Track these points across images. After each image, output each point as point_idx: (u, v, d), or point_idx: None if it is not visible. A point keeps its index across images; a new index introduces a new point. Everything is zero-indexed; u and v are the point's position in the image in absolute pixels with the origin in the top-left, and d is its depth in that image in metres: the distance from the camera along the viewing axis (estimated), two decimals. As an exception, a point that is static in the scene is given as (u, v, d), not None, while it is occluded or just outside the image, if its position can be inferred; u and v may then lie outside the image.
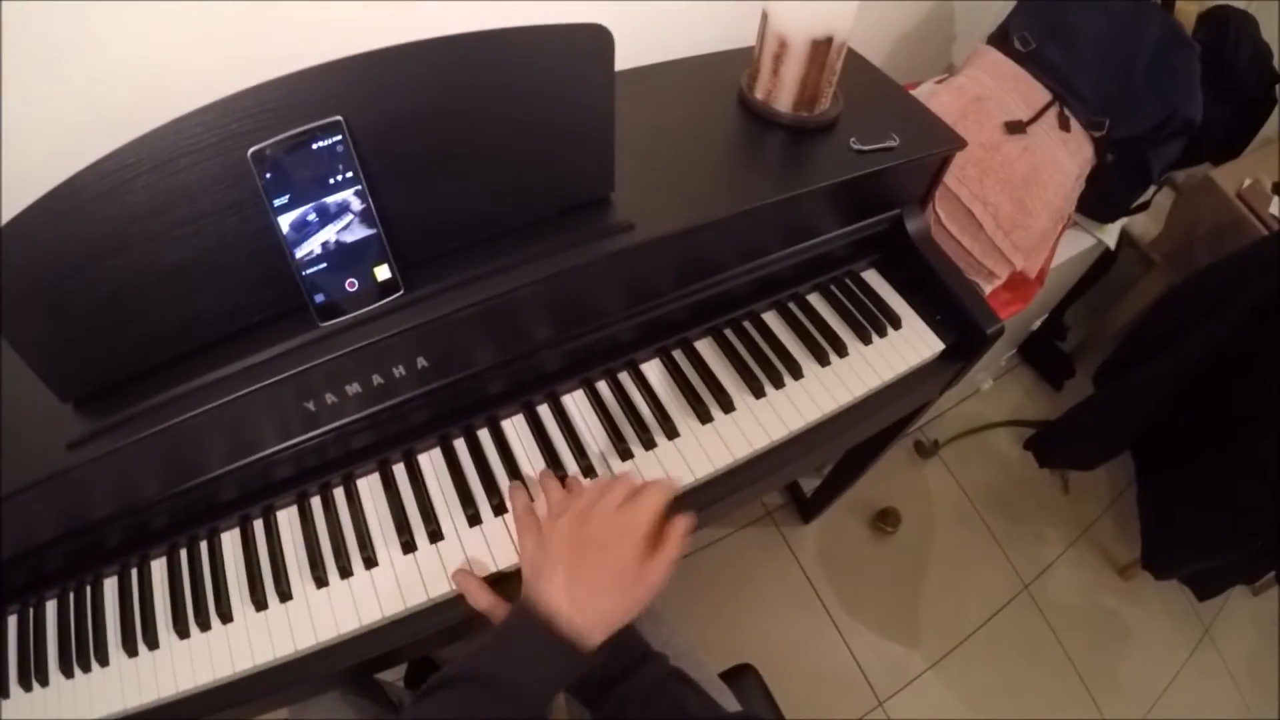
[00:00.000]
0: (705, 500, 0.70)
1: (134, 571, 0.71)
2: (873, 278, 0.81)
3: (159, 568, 0.71)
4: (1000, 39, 1.05)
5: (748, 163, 0.73)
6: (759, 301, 0.77)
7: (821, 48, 0.73)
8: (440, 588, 0.64)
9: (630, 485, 0.55)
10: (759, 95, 0.76)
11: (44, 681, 0.70)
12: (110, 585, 0.72)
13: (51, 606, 0.73)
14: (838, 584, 1.37)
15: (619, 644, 0.52)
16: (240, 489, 0.69)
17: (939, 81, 1.03)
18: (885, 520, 1.40)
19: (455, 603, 0.64)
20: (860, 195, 0.77)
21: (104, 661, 0.69)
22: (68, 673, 0.70)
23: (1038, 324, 1.39)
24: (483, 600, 0.58)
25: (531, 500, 0.64)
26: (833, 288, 0.79)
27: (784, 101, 0.75)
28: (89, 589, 0.72)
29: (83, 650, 0.69)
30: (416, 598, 0.64)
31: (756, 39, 0.76)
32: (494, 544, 0.65)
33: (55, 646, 0.71)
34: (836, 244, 0.79)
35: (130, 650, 0.68)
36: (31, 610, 0.73)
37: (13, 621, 0.74)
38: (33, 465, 0.64)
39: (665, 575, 0.52)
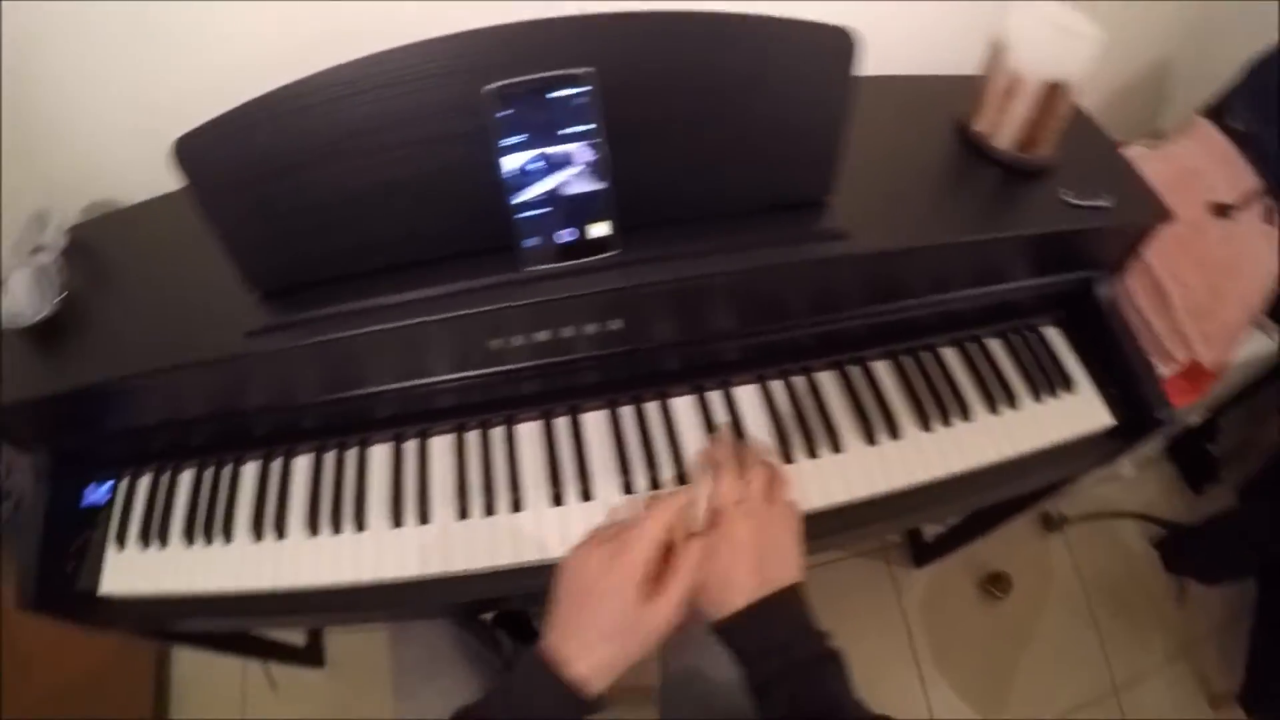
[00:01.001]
0: (844, 523, 0.70)
1: (278, 462, 0.75)
2: (1053, 335, 0.80)
3: (304, 464, 0.74)
4: (1215, 114, 1.02)
5: (958, 193, 0.73)
6: (939, 335, 0.76)
7: (1054, 92, 0.72)
8: (578, 546, 0.65)
9: (621, 525, 0.54)
10: (980, 128, 0.75)
11: (163, 542, 0.74)
12: (251, 469, 0.75)
13: (188, 476, 0.77)
14: (933, 634, 1.37)
15: (785, 613, 0.54)
16: (400, 409, 0.72)
17: (1149, 146, 1.00)
18: (996, 584, 1.39)
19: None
20: (1060, 249, 0.76)
21: (228, 538, 0.73)
22: (189, 539, 0.73)
23: (1195, 420, 1.34)
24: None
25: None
26: (1012, 337, 0.78)
27: (1004, 139, 0.74)
28: (229, 467, 0.76)
29: (210, 522, 0.73)
30: (554, 551, 0.65)
31: (985, 70, 0.75)
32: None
33: (183, 513, 0.74)
34: (1024, 293, 0.78)
35: (258, 534, 0.72)
36: (168, 474, 0.77)
37: (146, 480, 0.78)
38: (209, 344, 0.67)
39: (670, 617, 0.52)
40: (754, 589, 0.54)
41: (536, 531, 0.67)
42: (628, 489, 0.67)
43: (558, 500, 0.67)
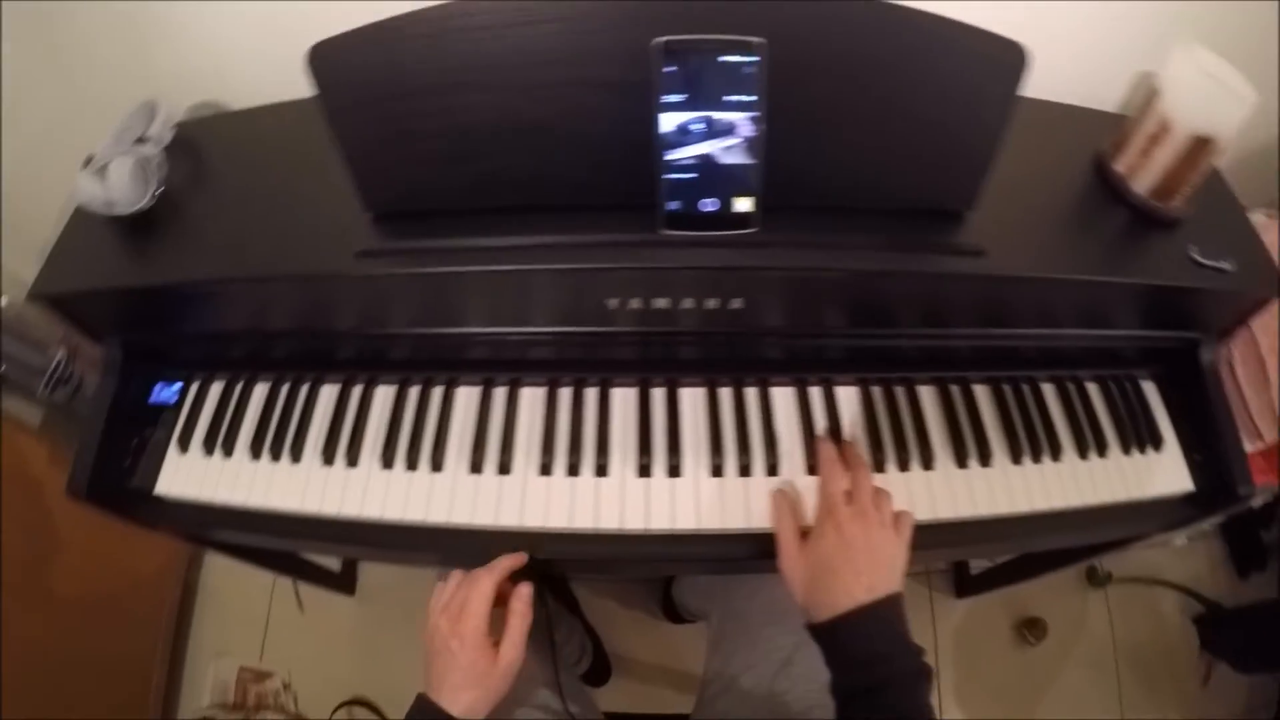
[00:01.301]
0: (919, 542, 0.69)
1: (358, 388, 0.74)
2: (1149, 390, 0.79)
3: (385, 394, 0.73)
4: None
5: (1089, 230, 0.72)
6: (1039, 370, 0.76)
7: (1201, 145, 0.71)
8: (661, 521, 0.64)
9: (453, 588, 0.63)
10: (1119, 168, 0.74)
11: (228, 452, 0.73)
12: (329, 391, 0.75)
13: (262, 388, 0.76)
14: (961, 668, 1.38)
15: (887, 623, 0.54)
16: (494, 353, 0.71)
17: (1269, 216, 0.99)
18: (1031, 629, 1.39)
19: (656, 540, 0.66)
20: (1175, 305, 0.75)
21: (296, 458, 0.72)
22: (255, 453, 0.72)
23: (1255, 503, 1.34)
24: (787, 524, 0.61)
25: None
26: (1110, 384, 0.77)
27: (1142, 184, 0.73)
28: (307, 386, 0.75)
29: (279, 440, 0.72)
30: (632, 523, 0.64)
31: (1134, 111, 0.74)
32: (728, 502, 0.65)
33: (253, 425, 0.73)
34: (1129, 342, 0.77)
35: (328, 458, 0.71)
36: (242, 384, 0.76)
37: (218, 386, 0.77)
38: (316, 259, 0.66)
39: (516, 659, 0.62)
40: (858, 594, 0.53)
41: (618, 501, 0.66)
42: (717, 471, 0.66)
43: (644, 471, 0.66)
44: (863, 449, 0.69)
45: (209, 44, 0.81)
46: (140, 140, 0.77)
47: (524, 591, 0.63)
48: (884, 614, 0.54)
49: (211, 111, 0.86)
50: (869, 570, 0.54)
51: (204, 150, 0.79)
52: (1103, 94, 0.84)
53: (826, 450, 0.64)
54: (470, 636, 0.60)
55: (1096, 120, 0.80)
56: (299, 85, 0.60)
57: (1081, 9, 0.77)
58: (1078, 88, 0.80)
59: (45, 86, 0.86)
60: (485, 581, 0.62)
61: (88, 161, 0.72)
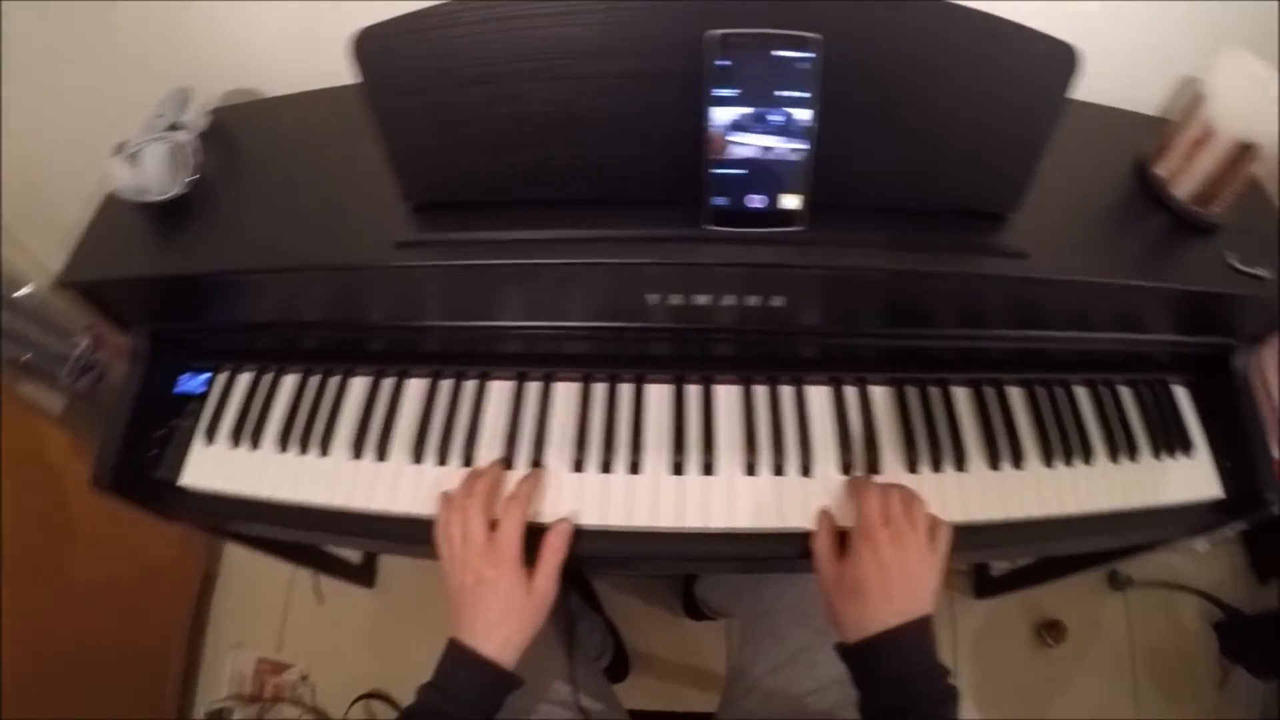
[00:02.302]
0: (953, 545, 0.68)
1: (390, 381, 0.73)
2: (1181, 395, 0.79)
3: (416, 387, 0.73)
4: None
5: (1129, 234, 0.72)
6: (1073, 373, 0.75)
7: (1244, 152, 0.70)
8: (694, 520, 0.63)
9: (484, 525, 0.61)
10: (1161, 172, 0.73)
11: (255, 443, 0.73)
12: (360, 384, 0.74)
13: (291, 380, 0.76)
14: (978, 670, 1.38)
15: (916, 645, 0.54)
16: (528, 347, 0.70)
17: None
18: (1051, 632, 1.39)
19: (688, 538, 0.65)
20: (1211, 311, 0.74)
21: (325, 450, 0.71)
22: (283, 445, 0.71)
23: (1277, 511, 1.33)
24: (825, 543, 0.61)
25: None
26: (1143, 388, 0.77)
27: (1183, 189, 0.72)
28: (337, 378, 0.74)
29: (308, 432, 0.71)
30: (665, 520, 0.64)
31: (1178, 115, 0.73)
32: (762, 501, 0.64)
33: (282, 417, 0.73)
34: (1164, 347, 0.77)
35: (357, 451, 0.70)
36: (271, 375, 0.75)
37: (246, 377, 0.76)
38: (354, 250, 0.65)
39: (552, 585, 0.61)
40: (888, 618, 0.54)
41: (651, 498, 0.65)
42: (751, 470, 0.66)
43: (678, 469, 0.66)
44: (897, 448, 0.68)
45: (244, 30, 0.80)
46: (173, 127, 0.75)
47: (563, 527, 0.62)
48: (913, 637, 0.54)
49: (247, 99, 0.85)
50: (901, 595, 0.55)
51: (239, 137, 0.79)
52: (1144, 96, 0.82)
53: (857, 479, 0.64)
54: (509, 561, 0.59)
55: (1137, 123, 0.79)
56: (335, 73, 0.59)
57: (1126, 9, 0.76)
58: (1118, 89, 0.79)
59: (77, 72, 0.85)
60: (516, 510, 0.61)
61: (119, 148, 0.71)
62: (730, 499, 0.65)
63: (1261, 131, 0.69)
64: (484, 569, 0.58)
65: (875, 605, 0.54)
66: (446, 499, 0.63)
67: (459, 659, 0.57)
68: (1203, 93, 0.71)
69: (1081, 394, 0.75)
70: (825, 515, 0.63)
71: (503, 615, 0.58)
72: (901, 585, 0.55)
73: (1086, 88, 0.78)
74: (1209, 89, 0.70)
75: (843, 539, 0.61)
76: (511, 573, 0.58)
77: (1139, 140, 0.76)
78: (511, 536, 0.59)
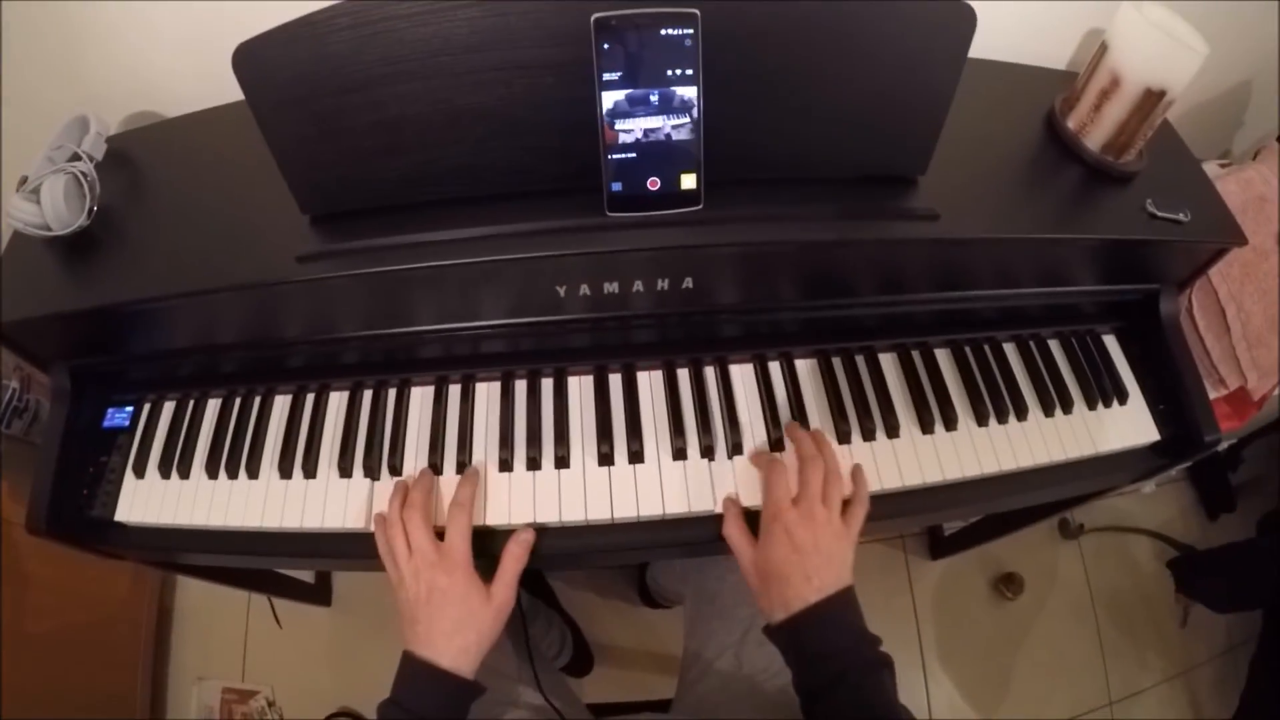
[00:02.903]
0: (889, 510, 0.68)
1: (310, 397, 0.71)
2: (1111, 344, 0.79)
3: (337, 401, 0.71)
4: (1292, 141, 0.99)
5: (1043, 188, 0.71)
6: (1001, 330, 0.75)
7: (1152, 98, 0.70)
8: (626, 510, 0.63)
9: (430, 534, 0.59)
10: (1071, 124, 0.73)
11: (185, 474, 0.71)
12: (281, 403, 0.72)
13: (213, 406, 0.74)
14: (940, 628, 1.40)
15: (840, 619, 0.54)
16: (446, 350, 0.69)
17: (1222, 166, 0.98)
18: (1008, 585, 1.42)
19: (623, 528, 0.64)
20: (1133, 258, 0.74)
21: (254, 474, 0.70)
22: (213, 473, 0.70)
23: (1221, 447, 1.34)
24: (734, 530, 0.60)
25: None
26: (1073, 340, 0.76)
27: (1095, 139, 0.72)
28: (258, 399, 0.72)
29: (234, 457, 0.70)
30: (599, 513, 0.62)
31: (1085, 67, 0.73)
32: (693, 485, 0.63)
33: (207, 444, 0.71)
34: (1089, 298, 0.77)
35: (285, 471, 0.69)
36: (193, 403, 0.74)
37: (169, 407, 0.74)
38: (256, 267, 0.64)
39: (511, 594, 0.60)
40: (809, 595, 0.53)
41: (581, 492, 0.64)
42: (680, 454, 0.65)
43: (606, 460, 0.65)
44: (826, 421, 0.67)
45: (136, 54, 0.78)
46: (73, 158, 0.73)
47: (524, 536, 0.61)
48: (836, 609, 0.54)
49: (148, 122, 0.82)
50: (819, 572, 0.54)
51: (138, 162, 0.76)
52: (1051, 51, 0.82)
53: (763, 456, 0.63)
54: (461, 568, 0.57)
55: (1047, 79, 0.78)
56: (236, 89, 0.57)
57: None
58: (1026, 45, 0.79)
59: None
60: (461, 515, 0.60)
61: (22, 183, 0.69)
62: (661, 486, 0.64)
63: (1168, 77, 0.68)
64: (436, 577, 0.57)
65: (796, 585, 0.54)
66: (381, 519, 0.62)
67: (416, 672, 0.56)
68: (1107, 42, 0.70)
69: (1010, 350, 0.75)
70: (729, 502, 0.62)
71: (458, 624, 0.56)
72: (818, 563, 0.54)
73: (993, 46, 0.78)
74: (1113, 38, 0.69)
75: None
76: (465, 579, 0.57)
77: (1050, 95, 0.76)
78: (460, 542, 0.58)
